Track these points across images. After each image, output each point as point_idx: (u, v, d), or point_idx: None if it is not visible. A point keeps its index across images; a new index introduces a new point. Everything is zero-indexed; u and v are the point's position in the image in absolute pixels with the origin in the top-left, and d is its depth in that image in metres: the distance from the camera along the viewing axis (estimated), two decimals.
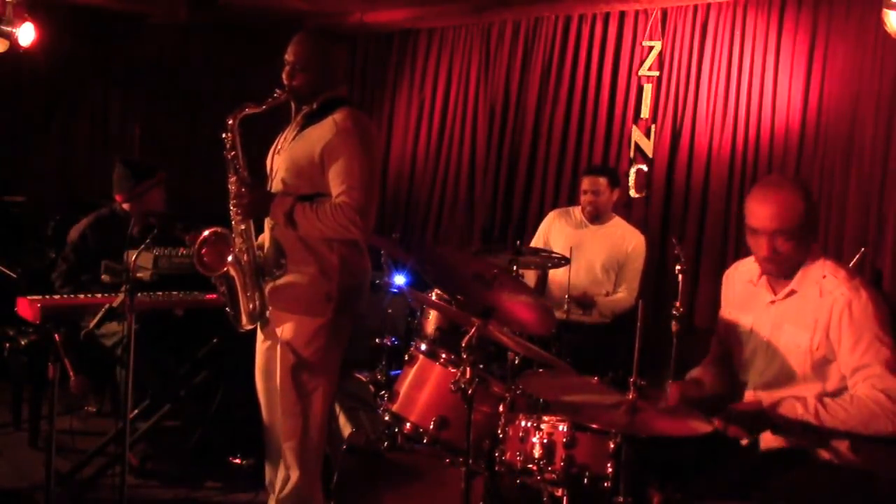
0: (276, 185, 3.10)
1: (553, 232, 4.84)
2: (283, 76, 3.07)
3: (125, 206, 4.38)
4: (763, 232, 2.60)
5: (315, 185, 3.01)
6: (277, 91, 3.05)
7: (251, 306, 3.09)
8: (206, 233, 3.07)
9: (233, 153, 3.05)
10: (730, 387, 2.85)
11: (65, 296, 4.12)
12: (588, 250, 4.66)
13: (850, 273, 2.60)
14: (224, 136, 3.04)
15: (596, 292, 4.62)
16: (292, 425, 3.14)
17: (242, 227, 3.08)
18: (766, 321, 2.70)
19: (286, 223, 2.98)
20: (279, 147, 3.15)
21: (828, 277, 2.58)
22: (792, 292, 2.64)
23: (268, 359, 3.22)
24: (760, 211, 2.61)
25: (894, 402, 2.42)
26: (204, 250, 3.05)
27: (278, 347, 3.11)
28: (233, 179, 3.05)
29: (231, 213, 3.09)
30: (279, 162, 3.10)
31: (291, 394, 3.10)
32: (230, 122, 3.03)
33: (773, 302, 2.69)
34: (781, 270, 2.65)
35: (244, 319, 3.11)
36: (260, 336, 3.25)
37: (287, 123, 3.20)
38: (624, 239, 4.69)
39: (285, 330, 3.08)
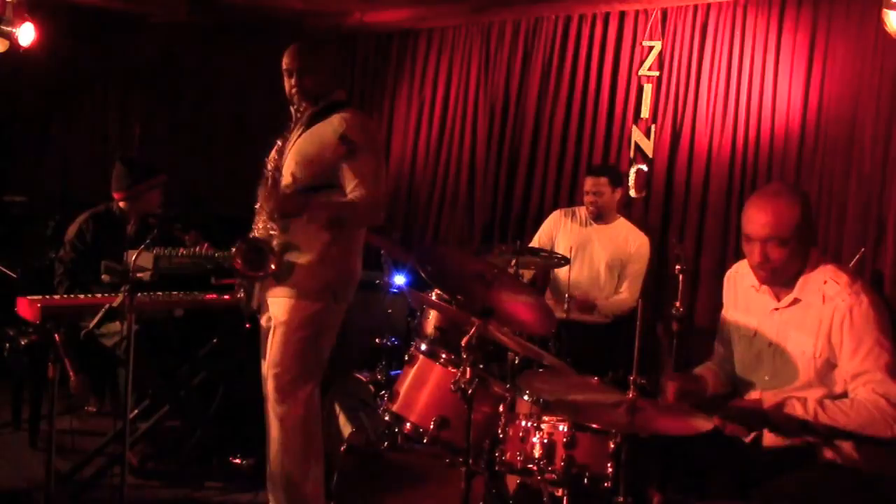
0: (284, 181, 3.18)
1: (560, 231, 4.86)
2: (289, 84, 3.20)
3: (122, 204, 4.39)
4: (756, 238, 2.60)
5: (325, 178, 3.13)
6: (297, 107, 3.20)
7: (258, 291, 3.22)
8: (248, 238, 3.11)
9: (275, 173, 3.14)
10: (731, 387, 2.85)
11: (65, 295, 4.12)
12: (593, 250, 4.69)
13: (852, 277, 2.59)
14: (271, 155, 3.17)
15: (598, 293, 4.63)
16: (278, 411, 3.19)
17: (273, 232, 3.13)
18: (771, 328, 2.69)
19: (330, 221, 3.08)
20: (282, 147, 3.24)
21: (829, 283, 2.57)
22: (795, 301, 2.63)
23: (265, 344, 3.28)
24: (755, 218, 2.61)
25: (894, 407, 2.42)
26: (243, 256, 3.07)
27: (271, 331, 3.19)
28: (268, 186, 3.12)
29: (261, 218, 3.15)
30: (286, 159, 3.19)
31: (283, 376, 3.16)
32: (280, 143, 3.18)
33: (776, 309, 2.68)
34: (774, 278, 2.65)
35: (254, 303, 3.23)
36: (261, 323, 3.31)
37: (284, 127, 3.29)
38: (628, 240, 4.71)
39: (281, 314, 3.16)
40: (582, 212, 4.84)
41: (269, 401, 3.22)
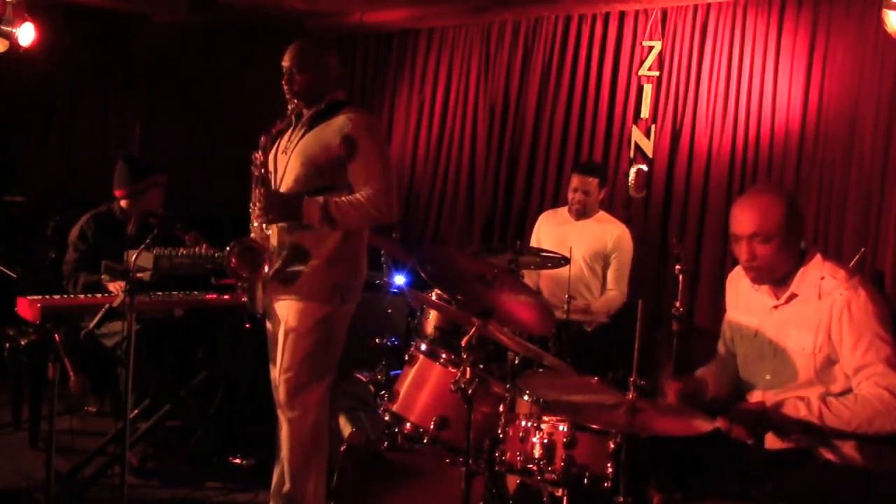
0: (286, 182, 3.17)
1: (541, 233, 4.89)
2: (284, 83, 3.19)
3: (123, 203, 4.39)
4: (741, 236, 2.62)
5: (331, 177, 3.12)
6: (291, 104, 3.18)
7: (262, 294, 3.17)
8: (242, 238, 3.10)
9: (263, 169, 3.11)
10: (733, 389, 2.85)
11: (65, 295, 4.12)
12: (570, 248, 4.66)
13: (849, 273, 2.60)
14: (255, 154, 3.12)
15: (585, 290, 4.64)
16: (289, 416, 3.18)
17: (269, 232, 3.13)
18: (771, 326, 2.70)
19: (322, 221, 3.03)
20: (283, 147, 3.23)
21: (826, 278, 2.58)
22: (793, 296, 2.64)
23: (274, 348, 3.26)
24: (739, 217, 2.65)
25: None
26: (234, 259, 3.06)
27: (280, 335, 3.16)
28: (260, 191, 3.09)
29: (257, 220, 3.13)
30: (288, 160, 3.18)
31: (295, 382, 3.15)
32: (263, 139, 3.13)
33: (776, 307, 2.69)
34: (762, 276, 2.66)
35: (258, 305, 3.18)
36: (268, 327, 3.29)
37: (272, 125, 3.28)
38: (605, 232, 4.71)
39: (290, 318, 3.14)
40: (563, 211, 4.84)
41: (280, 406, 3.21)
